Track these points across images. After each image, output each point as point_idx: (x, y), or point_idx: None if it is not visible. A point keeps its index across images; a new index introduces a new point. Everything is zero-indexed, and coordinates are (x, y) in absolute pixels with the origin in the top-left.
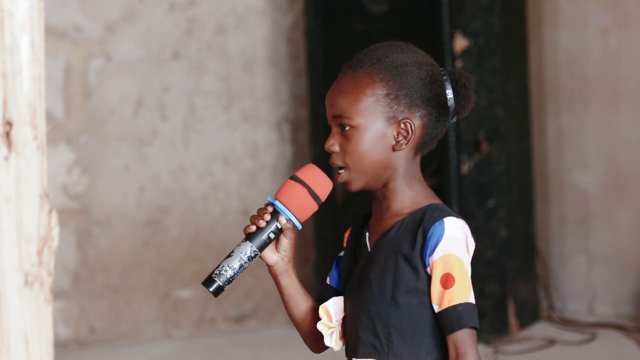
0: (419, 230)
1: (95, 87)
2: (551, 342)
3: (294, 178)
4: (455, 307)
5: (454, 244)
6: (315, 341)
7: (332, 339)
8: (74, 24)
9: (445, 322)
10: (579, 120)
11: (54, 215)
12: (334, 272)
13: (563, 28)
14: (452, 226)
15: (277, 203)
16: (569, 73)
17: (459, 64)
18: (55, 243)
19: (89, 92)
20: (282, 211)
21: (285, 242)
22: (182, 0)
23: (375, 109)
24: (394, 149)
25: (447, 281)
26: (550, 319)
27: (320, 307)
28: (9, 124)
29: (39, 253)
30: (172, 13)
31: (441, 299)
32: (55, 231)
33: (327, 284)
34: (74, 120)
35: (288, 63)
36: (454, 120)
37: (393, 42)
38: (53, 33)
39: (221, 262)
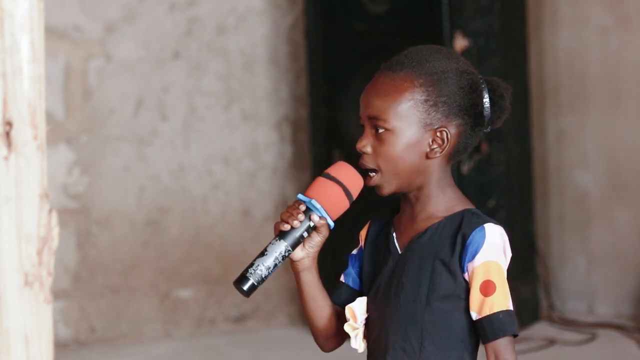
0: (459, 235)
1: (95, 87)
2: (551, 342)
3: (327, 176)
4: (497, 314)
5: (494, 251)
6: (327, 340)
7: (357, 340)
8: (74, 24)
9: (485, 330)
10: (579, 120)
11: (54, 215)
12: (350, 271)
13: (563, 28)
14: (493, 232)
15: (313, 202)
16: (569, 73)
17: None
18: (55, 243)
19: (89, 92)
20: (318, 210)
21: (317, 239)
22: (182, 0)
23: (412, 114)
24: (427, 156)
25: (488, 288)
26: (550, 319)
27: (347, 308)
28: (9, 124)
29: (39, 253)
30: (172, 13)
31: (481, 307)
32: (55, 231)
33: (342, 282)
34: (74, 120)
35: (288, 63)
36: (488, 129)
37: (434, 45)
38: (53, 33)
39: (254, 260)
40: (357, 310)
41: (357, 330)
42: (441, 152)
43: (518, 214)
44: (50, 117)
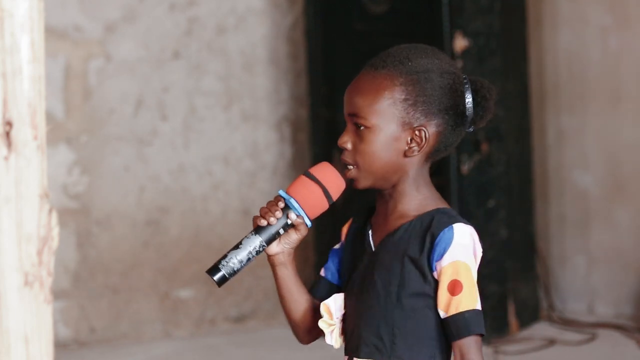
0: (428, 234)
1: (95, 87)
2: (551, 342)
3: (308, 175)
4: (462, 313)
5: (462, 251)
6: (306, 334)
7: (333, 337)
8: (74, 24)
9: (451, 329)
10: (579, 120)
11: (54, 215)
12: (330, 265)
13: (563, 28)
14: (461, 233)
15: (291, 200)
16: (569, 73)
17: (459, 64)
18: (55, 243)
19: (89, 92)
20: (295, 208)
21: (294, 237)
22: (182, 0)
23: (391, 113)
24: (405, 155)
25: (455, 288)
26: (550, 319)
27: (322, 305)
28: (9, 124)
29: (39, 253)
30: (172, 13)
31: (448, 306)
32: (55, 231)
33: (321, 276)
34: (74, 120)
35: (288, 63)
36: (471, 129)
37: (418, 44)
38: (53, 33)
39: (228, 252)
40: (333, 306)
41: (332, 327)
42: (419, 150)
43: (518, 214)
44: (50, 117)
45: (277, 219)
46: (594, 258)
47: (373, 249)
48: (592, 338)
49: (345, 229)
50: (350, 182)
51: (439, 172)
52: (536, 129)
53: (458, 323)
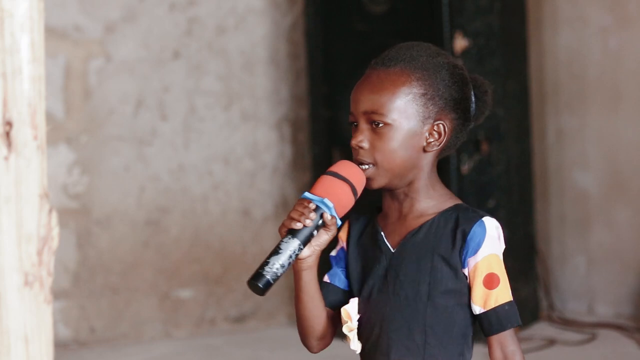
0: (458, 231)
1: (95, 87)
2: (551, 342)
3: (334, 175)
4: (502, 306)
5: (494, 244)
6: (319, 341)
7: (354, 341)
8: (74, 24)
9: (491, 322)
10: (579, 120)
11: (54, 215)
12: (336, 271)
13: (563, 28)
14: (491, 226)
15: (325, 201)
16: (569, 73)
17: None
18: (55, 243)
19: (89, 92)
20: (330, 209)
21: (325, 237)
22: (182, 0)
23: (411, 107)
24: (424, 150)
25: (492, 281)
26: (550, 319)
27: (342, 310)
28: (9, 124)
29: (39, 253)
30: (172, 13)
31: (486, 300)
32: (55, 231)
33: (328, 282)
34: (74, 120)
35: (288, 63)
36: (472, 125)
37: (421, 42)
38: (53, 33)
39: (267, 258)
40: (352, 311)
41: (353, 332)
42: (438, 145)
43: (518, 214)
44: (50, 117)
45: (312, 220)
46: (594, 258)
47: (392, 250)
48: (592, 338)
49: (343, 234)
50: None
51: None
52: (536, 129)
53: (499, 316)
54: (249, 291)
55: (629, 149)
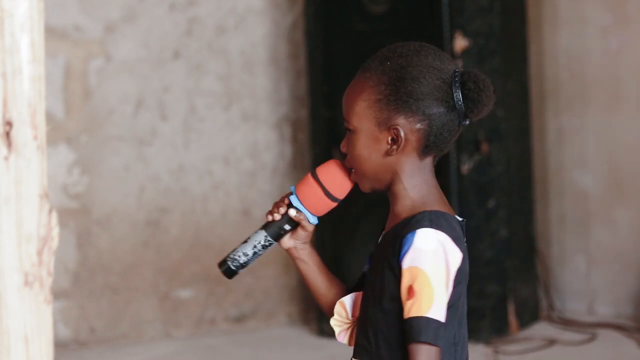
0: (398, 238)
1: (95, 87)
2: (551, 342)
3: (313, 174)
4: (410, 319)
5: (422, 256)
6: None
7: (346, 335)
8: (74, 24)
9: (406, 331)
10: (579, 120)
11: (54, 215)
12: (368, 261)
13: (563, 28)
14: (424, 238)
15: (293, 197)
16: (569, 73)
17: (458, 64)
18: (55, 243)
19: (89, 92)
20: (296, 206)
21: (301, 233)
22: (182, 0)
23: (367, 114)
24: (387, 154)
25: (409, 293)
26: (550, 319)
27: (338, 302)
28: (9, 124)
29: (39, 253)
30: (172, 13)
31: (404, 309)
32: (55, 231)
33: (364, 271)
34: (74, 120)
35: (288, 63)
36: (466, 122)
37: (405, 43)
38: (53, 33)
39: (237, 246)
40: (349, 304)
41: (347, 325)
42: (397, 149)
43: (518, 214)
44: (50, 117)
45: (281, 214)
46: (594, 258)
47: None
48: (592, 338)
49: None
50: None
51: (439, 172)
52: (536, 129)
53: (407, 328)
54: (249, 291)
55: (629, 149)
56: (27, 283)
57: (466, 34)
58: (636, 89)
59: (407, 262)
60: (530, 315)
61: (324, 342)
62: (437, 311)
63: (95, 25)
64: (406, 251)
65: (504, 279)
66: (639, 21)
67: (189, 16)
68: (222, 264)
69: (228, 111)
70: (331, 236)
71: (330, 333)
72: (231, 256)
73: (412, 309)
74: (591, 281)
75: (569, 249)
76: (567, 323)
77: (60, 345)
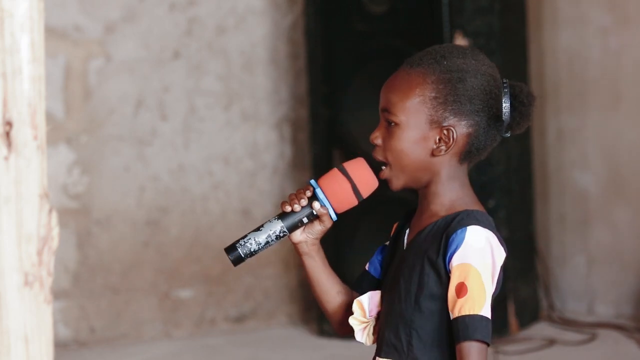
0: (444, 235)
1: (95, 87)
2: (551, 342)
3: (341, 169)
4: (463, 317)
5: (473, 254)
6: (340, 325)
7: (364, 335)
8: (74, 24)
9: (457, 330)
10: (579, 120)
11: (54, 215)
12: (375, 260)
13: (563, 28)
14: (474, 235)
15: (318, 190)
16: (569, 73)
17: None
18: (55, 243)
19: (89, 92)
20: (320, 199)
21: (318, 228)
22: (182, 0)
23: (420, 110)
24: (433, 154)
25: (461, 290)
26: (550, 319)
27: (355, 301)
28: (9, 124)
29: (39, 253)
30: (172, 13)
31: (453, 307)
32: (55, 231)
33: (365, 270)
34: (74, 120)
35: (288, 63)
36: (508, 134)
37: (458, 45)
38: (53, 33)
39: (248, 233)
40: (367, 303)
41: (365, 324)
42: (446, 150)
43: (518, 214)
44: (50, 117)
45: (302, 206)
46: (594, 258)
47: (404, 248)
48: (592, 338)
49: (395, 226)
50: (385, 183)
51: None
52: (536, 129)
53: (459, 326)
54: (249, 291)
55: (629, 149)
56: (27, 283)
57: (466, 34)
58: (636, 89)
59: (457, 259)
60: (530, 315)
61: (324, 342)
62: (488, 309)
63: (95, 25)
64: (456, 248)
65: (504, 279)
66: (639, 21)
67: (189, 16)
68: (231, 249)
69: (228, 111)
70: (331, 236)
71: (330, 333)
72: (242, 242)
73: (465, 306)
74: (591, 281)
75: (569, 249)
76: (567, 323)
77: (60, 345)
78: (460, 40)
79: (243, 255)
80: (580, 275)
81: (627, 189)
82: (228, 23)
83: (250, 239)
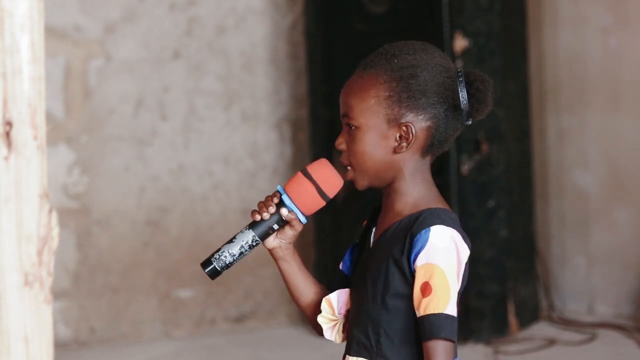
0: (408, 235)
1: (95, 87)
2: (551, 342)
3: (304, 172)
4: (428, 316)
5: (438, 253)
6: (318, 326)
7: (334, 332)
8: (74, 24)
9: (421, 330)
10: (579, 120)
11: (54, 215)
12: (346, 258)
13: (563, 28)
14: (438, 235)
15: (284, 196)
16: (569, 73)
17: (458, 64)
18: (55, 243)
19: (89, 92)
20: (289, 205)
21: (289, 232)
22: (182, 0)
23: (377, 111)
24: (395, 151)
25: (426, 289)
26: (550, 319)
27: (324, 299)
28: (9, 124)
29: (39, 253)
30: (172, 13)
31: (419, 306)
32: (55, 231)
33: (339, 269)
34: (74, 120)
35: (288, 63)
36: (469, 122)
37: (408, 41)
38: (53, 33)
39: (222, 246)
40: (335, 301)
41: (334, 322)
42: (407, 146)
43: (518, 214)
44: (50, 117)
45: (271, 214)
46: (594, 258)
47: (371, 246)
48: (592, 338)
49: (364, 224)
50: (350, 184)
51: (439, 172)
52: (536, 129)
53: (424, 325)
54: (249, 291)
55: (629, 149)
56: (27, 283)
57: (466, 34)
58: (636, 89)
59: (422, 259)
60: (530, 315)
61: (324, 342)
62: (453, 307)
63: (95, 25)
64: (421, 248)
65: (504, 279)
66: (639, 21)
67: (189, 16)
68: (206, 264)
69: (228, 111)
70: (331, 236)
71: None
72: (216, 256)
73: (430, 305)
74: (591, 281)
75: (569, 249)
76: (567, 323)
77: (60, 345)
78: (460, 40)
79: (219, 269)
80: (580, 275)
81: (627, 189)
82: (228, 23)
83: (224, 251)
